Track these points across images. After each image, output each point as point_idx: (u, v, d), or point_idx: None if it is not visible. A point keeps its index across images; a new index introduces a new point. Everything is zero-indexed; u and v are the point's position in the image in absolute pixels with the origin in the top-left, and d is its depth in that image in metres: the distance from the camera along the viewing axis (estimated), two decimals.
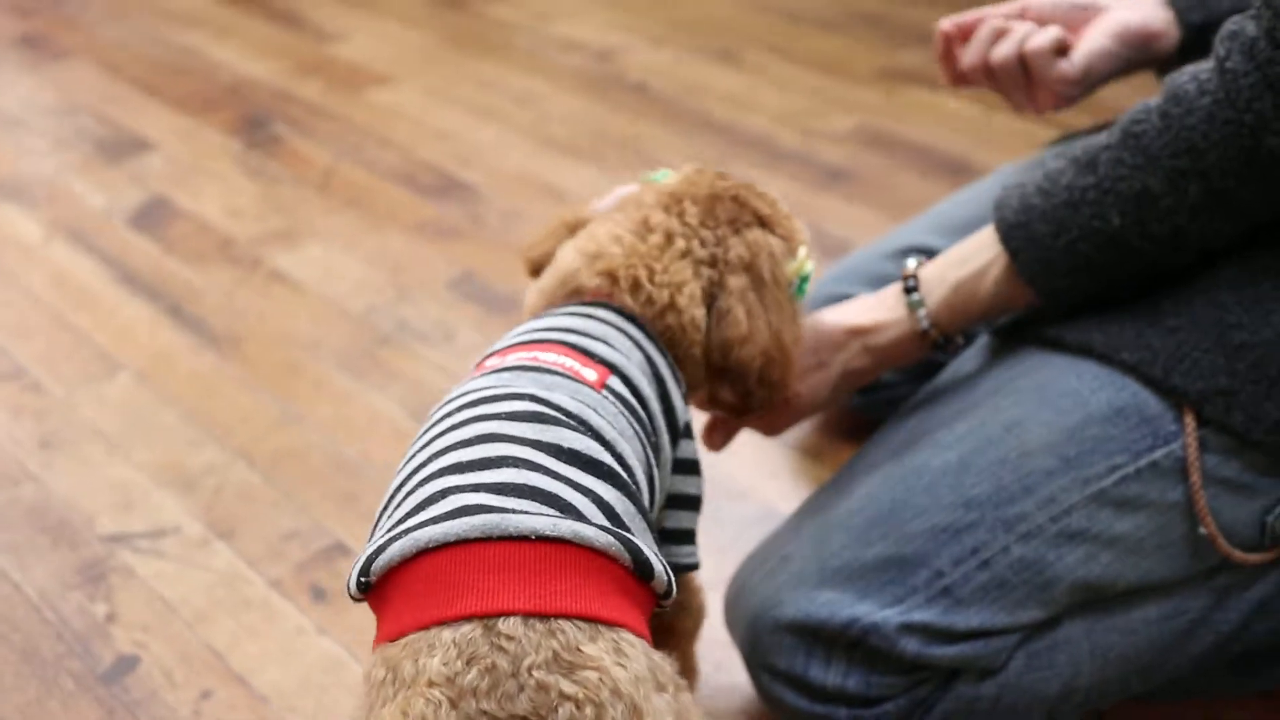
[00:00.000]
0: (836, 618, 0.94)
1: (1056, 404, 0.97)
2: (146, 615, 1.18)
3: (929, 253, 1.28)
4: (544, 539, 0.65)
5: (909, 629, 0.93)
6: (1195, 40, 1.13)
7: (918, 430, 1.04)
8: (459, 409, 0.77)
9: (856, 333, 1.05)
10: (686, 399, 0.93)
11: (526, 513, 0.66)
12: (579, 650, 0.63)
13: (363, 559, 0.68)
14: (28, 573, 1.23)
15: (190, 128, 2.08)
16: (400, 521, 0.69)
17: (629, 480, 0.76)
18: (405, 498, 0.71)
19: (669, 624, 0.92)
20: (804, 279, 0.97)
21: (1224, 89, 0.87)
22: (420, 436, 0.78)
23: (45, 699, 1.10)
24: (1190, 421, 0.93)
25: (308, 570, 1.23)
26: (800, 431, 1.42)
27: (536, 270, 0.98)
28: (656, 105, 2.17)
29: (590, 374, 0.81)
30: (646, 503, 0.79)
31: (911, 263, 1.06)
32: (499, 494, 0.68)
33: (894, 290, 1.05)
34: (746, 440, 1.40)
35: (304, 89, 2.20)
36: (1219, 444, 0.93)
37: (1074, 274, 0.96)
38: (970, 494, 0.95)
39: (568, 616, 0.64)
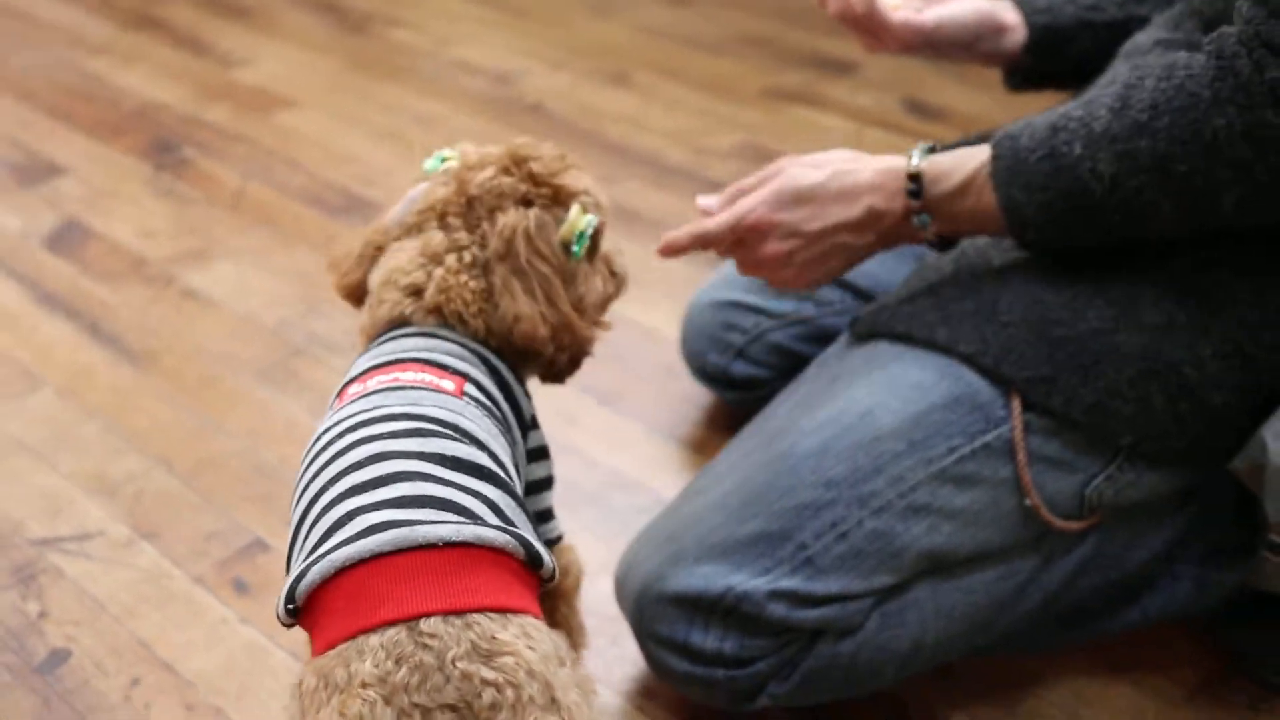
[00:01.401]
0: (713, 588, 1.05)
1: (904, 394, 1.09)
2: (77, 611, 1.26)
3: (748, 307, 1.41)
4: (450, 544, 0.74)
5: (776, 595, 1.05)
6: (1040, 43, 1.29)
7: (785, 418, 1.15)
8: (340, 435, 0.83)
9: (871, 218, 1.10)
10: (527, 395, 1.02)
11: (431, 522, 0.75)
12: (494, 639, 0.71)
13: (286, 587, 0.75)
14: None
15: (101, 152, 2.14)
16: (315, 547, 0.77)
17: (506, 478, 0.85)
18: (313, 525, 0.79)
19: (553, 587, 1.00)
20: (581, 235, 0.99)
21: (1199, 65, 0.96)
22: (309, 466, 0.84)
23: None
24: (1016, 406, 1.06)
25: (230, 566, 1.32)
26: (685, 427, 1.53)
27: (351, 295, 1.05)
28: (553, 125, 2.28)
29: (448, 384, 0.89)
30: (520, 492, 0.89)
31: (916, 156, 1.09)
32: (400, 508, 0.76)
33: (898, 183, 1.09)
34: (636, 437, 1.51)
35: (211, 113, 2.27)
36: (1042, 426, 1.06)
37: (1031, 192, 1.01)
38: (830, 475, 1.07)
39: (480, 610, 0.72)
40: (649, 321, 1.71)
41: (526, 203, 0.98)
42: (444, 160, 1.02)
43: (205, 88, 2.39)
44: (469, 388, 0.91)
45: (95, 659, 1.21)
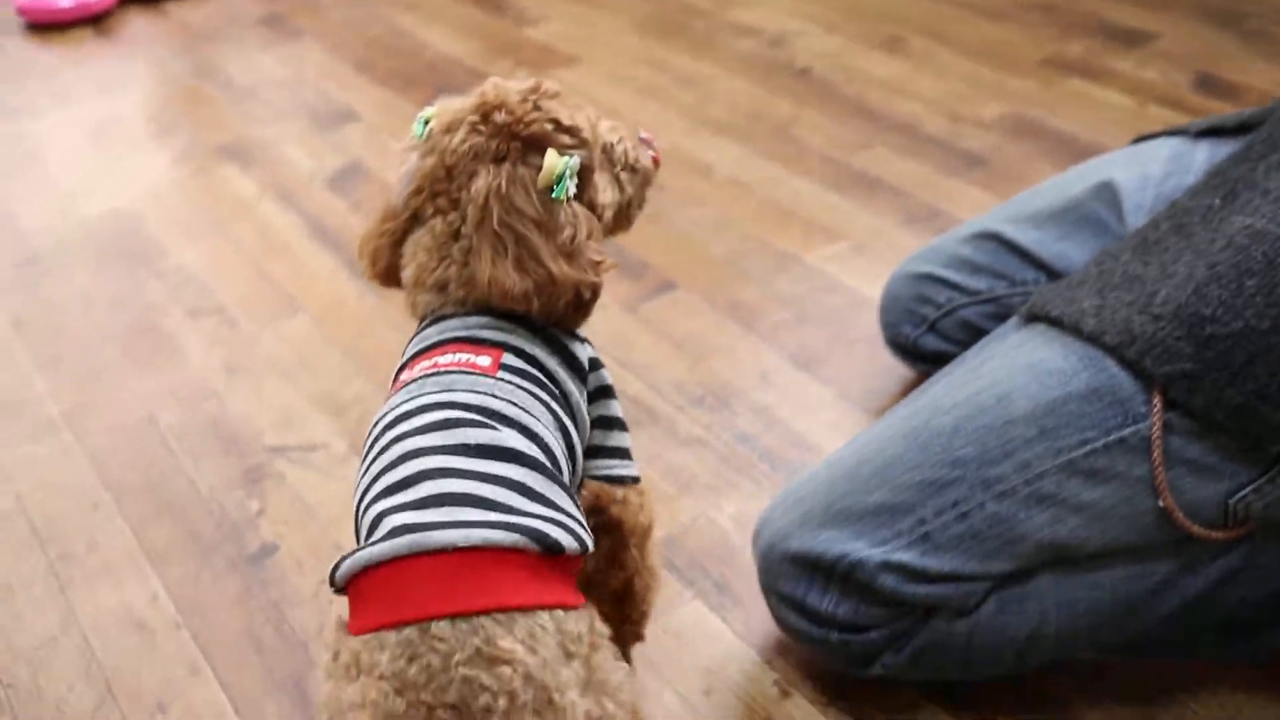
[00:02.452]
0: (830, 552, 1.08)
1: (1044, 380, 1.07)
2: (289, 513, 1.42)
3: (1001, 239, 1.39)
4: (459, 549, 0.79)
5: (889, 567, 1.06)
6: None
7: (933, 394, 1.16)
8: (383, 431, 0.90)
9: None
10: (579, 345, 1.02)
11: (447, 524, 0.80)
12: (497, 644, 0.76)
13: (330, 571, 0.84)
14: (202, 472, 1.48)
15: (392, 102, 2.33)
16: (357, 543, 0.86)
17: (537, 452, 0.88)
18: (359, 521, 0.88)
19: (626, 526, 1.05)
20: (560, 178, 0.95)
21: None
22: (364, 459, 0.91)
23: (200, 572, 1.35)
24: (1158, 403, 1.02)
25: None
26: (877, 399, 1.54)
27: (388, 281, 1.05)
28: (815, 90, 2.29)
29: (484, 360, 0.93)
30: (563, 449, 0.93)
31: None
32: (422, 509, 0.82)
33: None
34: (826, 403, 1.54)
35: (495, 68, 2.42)
36: (1185, 427, 1.02)
37: None
38: (958, 454, 1.07)
39: (487, 611, 0.77)
40: (868, 290, 1.72)
41: (500, 159, 0.95)
42: (426, 123, 1.00)
43: (496, 44, 2.54)
44: (507, 357, 0.94)
45: (296, 557, 1.36)
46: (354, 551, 0.83)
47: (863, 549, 1.07)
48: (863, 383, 1.57)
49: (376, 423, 0.92)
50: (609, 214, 1.03)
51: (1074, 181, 1.40)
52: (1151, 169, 1.31)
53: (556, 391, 0.97)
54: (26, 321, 1.77)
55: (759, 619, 1.25)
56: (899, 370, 1.57)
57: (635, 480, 1.05)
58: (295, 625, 1.27)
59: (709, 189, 2.01)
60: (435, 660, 0.77)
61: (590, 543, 0.87)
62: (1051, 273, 1.36)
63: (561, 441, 0.94)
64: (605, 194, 1.01)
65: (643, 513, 1.06)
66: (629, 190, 1.05)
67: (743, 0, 2.66)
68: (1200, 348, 1.01)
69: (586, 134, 0.99)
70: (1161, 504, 1.03)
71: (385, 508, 0.84)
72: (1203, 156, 1.28)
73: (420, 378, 0.93)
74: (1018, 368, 1.10)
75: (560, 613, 0.81)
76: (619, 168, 1.04)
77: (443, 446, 0.86)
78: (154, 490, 1.46)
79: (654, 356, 1.63)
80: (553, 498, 0.87)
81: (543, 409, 0.93)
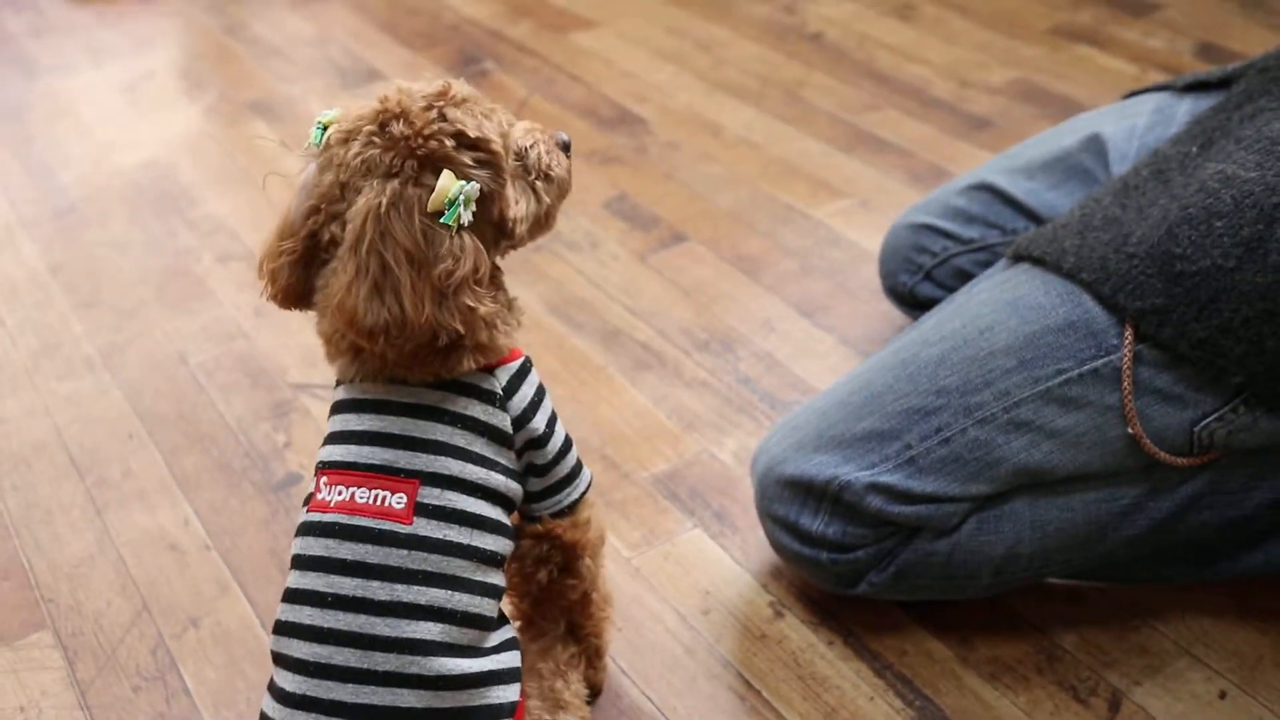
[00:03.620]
0: (821, 475, 1.15)
1: (1024, 314, 1.14)
2: (313, 445, 1.49)
3: (995, 190, 1.45)
4: None
5: (876, 488, 1.13)
6: None
7: (923, 329, 1.22)
8: (302, 596, 0.92)
9: None
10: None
11: None
12: None
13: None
14: (231, 406, 1.56)
15: (414, 61, 2.40)
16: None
17: (449, 598, 0.92)
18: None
19: (579, 545, 1.06)
20: (453, 203, 0.87)
21: None
22: (288, 592, 0.94)
23: (229, 498, 1.42)
24: (1129, 336, 1.09)
25: None
26: (875, 344, 1.60)
27: (289, 302, 0.96)
28: (826, 54, 2.35)
29: (399, 501, 0.92)
30: (496, 519, 0.96)
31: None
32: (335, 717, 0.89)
33: None
34: (827, 348, 1.60)
35: (514, 29, 2.49)
36: (1154, 358, 1.09)
37: None
38: (942, 383, 1.14)
39: None
40: (870, 244, 1.78)
41: (391, 175, 0.87)
42: (324, 129, 0.93)
43: (516, 5, 2.60)
44: (423, 493, 0.93)
45: None
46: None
47: (851, 472, 1.14)
48: (861, 330, 1.63)
49: (298, 562, 0.94)
50: (523, 227, 0.96)
51: (1065, 134, 1.46)
52: (1137, 122, 1.37)
53: (480, 498, 0.96)
54: (64, 266, 1.85)
55: (755, 546, 1.32)
56: (896, 319, 1.63)
57: (580, 499, 1.05)
58: None
59: (720, 147, 2.07)
60: None
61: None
62: (1041, 222, 1.42)
63: (498, 504, 0.98)
64: (519, 206, 0.94)
65: (591, 528, 1.07)
66: (546, 200, 0.98)
67: None
68: (1170, 284, 1.07)
69: (496, 145, 0.91)
70: (1130, 431, 1.09)
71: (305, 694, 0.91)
72: (1186, 109, 1.33)
73: (336, 523, 0.93)
74: (1001, 303, 1.16)
75: None
76: (534, 176, 0.97)
77: (355, 671, 0.90)
78: (185, 422, 1.54)
79: (662, 304, 1.70)
80: (474, 633, 0.94)
81: (461, 562, 0.93)
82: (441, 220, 0.87)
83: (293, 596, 0.93)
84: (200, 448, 1.50)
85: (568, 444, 1.03)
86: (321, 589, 0.92)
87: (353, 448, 0.95)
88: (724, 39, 2.43)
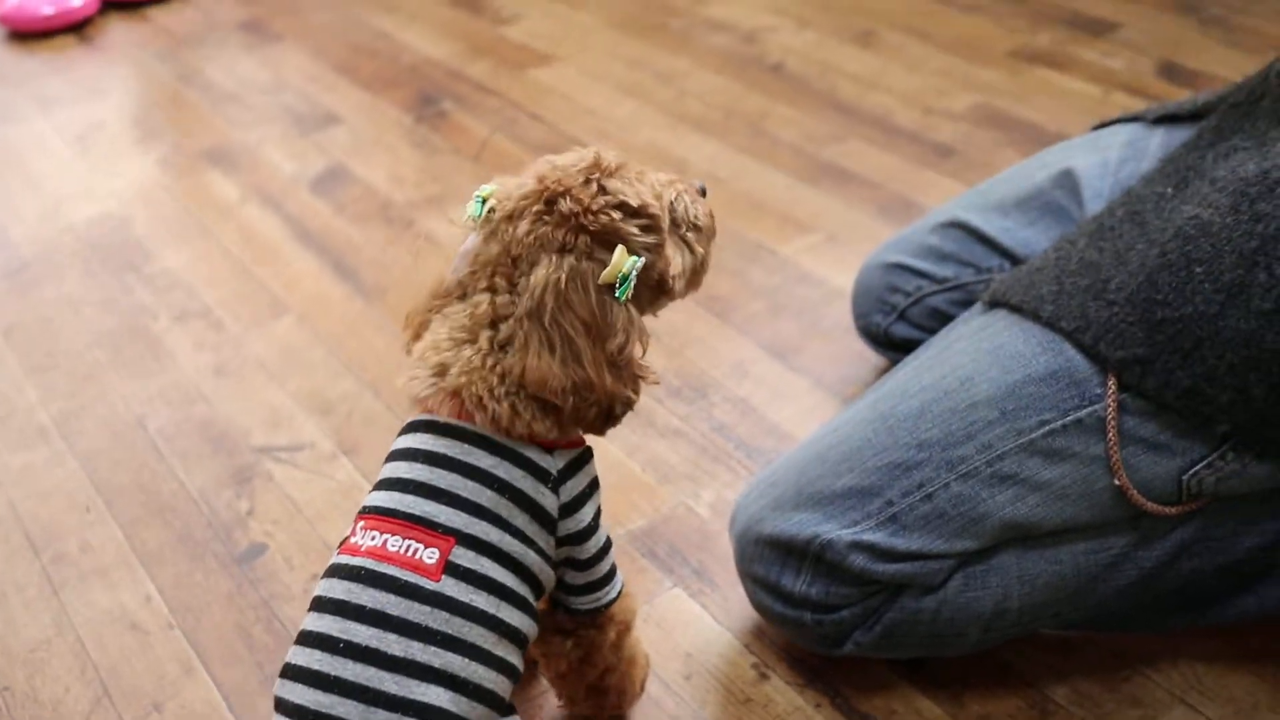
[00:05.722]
0: (802, 534, 1.12)
1: (1005, 364, 1.11)
2: (277, 512, 1.45)
3: (968, 228, 1.43)
4: None
5: (859, 547, 1.10)
6: None
7: (899, 379, 1.19)
8: (321, 641, 0.90)
9: None
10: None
11: None
12: None
13: None
14: (191, 474, 1.51)
15: (372, 104, 2.36)
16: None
17: (464, 666, 0.90)
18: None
19: (607, 637, 1.07)
20: (625, 278, 0.92)
21: None
22: (303, 633, 0.92)
23: (193, 572, 1.38)
24: (1112, 385, 1.06)
25: None
26: (851, 386, 1.58)
27: (419, 337, 1.01)
28: (788, 84, 2.33)
29: (430, 556, 0.91)
30: (525, 597, 0.95)
31: None
32: None
33: None
34: (801, 391, 1.57)
35: (473, 69, 2.45)
36: (1138, 407, 1.06)
37: None
38: (923, 437, 1.11)
39: None
40: (841, 281, 1.75)
41: (565, 250, 0.92)
42: (484, 201, 0.96)
43: (474, 44, 2.57)
44: (456, 553, 0.92)
45: (286, 555, 1.39)
46: None
47: (833, 530, 1.10)
48: (836, 371, 1.61)
49: (319, 599, 0.93)
50: (680, 283, 0.99)
51: (1036, 169, 1.44)
52: (1109, 156, 1.34)
53: (512, 572, 0.95)
54: (16, 327, 1.80)
55: (736, 604, 1.29)
56: (871, 359, 1.61)
57: (611, 603, 1.05)
58: (286, 622, 1.31)
59: None
60: None
61: None
62: (1016, 260, 1.40)
63: (524, 593, 0.96)
64: (675, 263, 0.97)
65: (621, 620, 1.07)
66: (699, 250, 1.01)
67: None
68: (1152, 331, 1.05)
69: (655, 209, 0.94)
70: (1117, 482, 1.06)
71: None
72: (1158, 142, 1.31)
73: (363, 568, 0.92)
74: (981, 351, 1.13)
75: None
76: (684, 229, 0.99)
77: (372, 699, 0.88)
78: (145, 492, 1.49)
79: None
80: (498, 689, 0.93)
81: (483, 631, 0.92)
82: (615, 294, 0.92)
83: (305, 639, 0.91)
84: (161, 519, 1.45)
85: (608, 544, 1.04)
86: (335, 633, 0.90)
87: (396, 494, 0.95)
88: (685, 71, 2.40)
